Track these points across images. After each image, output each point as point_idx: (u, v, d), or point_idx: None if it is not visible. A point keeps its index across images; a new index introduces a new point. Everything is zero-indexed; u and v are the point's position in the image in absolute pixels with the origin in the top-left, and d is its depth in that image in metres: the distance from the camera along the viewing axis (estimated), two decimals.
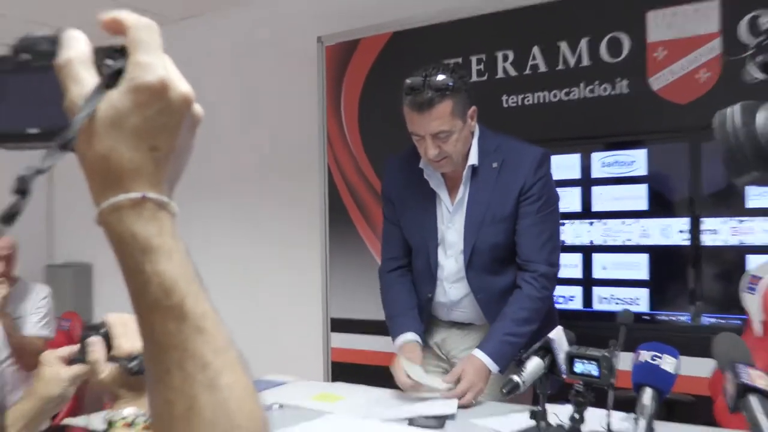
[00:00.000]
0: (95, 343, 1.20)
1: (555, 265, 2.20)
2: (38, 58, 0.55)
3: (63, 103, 0.53)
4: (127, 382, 1.17)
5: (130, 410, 1.14)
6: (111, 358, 1.19)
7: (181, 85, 0.55)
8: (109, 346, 1.20)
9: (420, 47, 3.29)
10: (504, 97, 3.09)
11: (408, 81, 2.08)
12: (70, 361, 1.29)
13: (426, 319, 2.30)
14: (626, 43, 2.81)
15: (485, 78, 3.13)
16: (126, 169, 0.53)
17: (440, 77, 2.03)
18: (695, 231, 2.66)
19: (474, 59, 3.16)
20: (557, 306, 2.56)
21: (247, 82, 4.11)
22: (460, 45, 3.18)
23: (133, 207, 0.53)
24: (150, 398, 0.54)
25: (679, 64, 2.71)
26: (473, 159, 2.18)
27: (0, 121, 0.55)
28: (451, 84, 2.04)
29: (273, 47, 3.97)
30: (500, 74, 3.11)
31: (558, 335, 1.77)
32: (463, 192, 2.21)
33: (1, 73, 0.56)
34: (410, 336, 2.21)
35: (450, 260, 2.25)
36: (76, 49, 0.54)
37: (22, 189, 0.49)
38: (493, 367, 2.06)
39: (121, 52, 0.55)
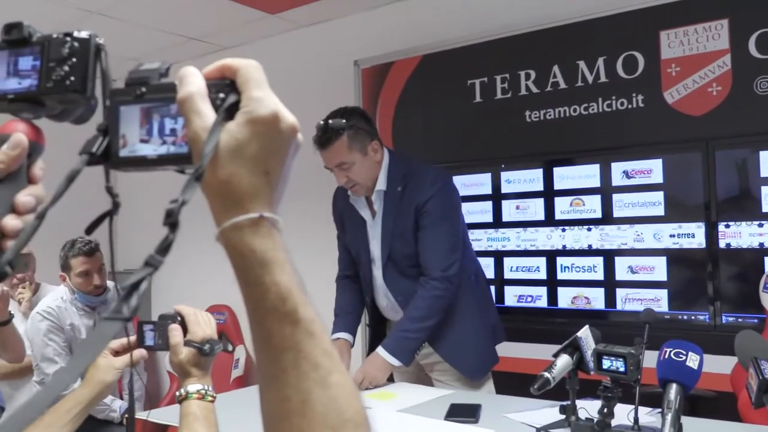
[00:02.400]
0: (175, 329, 1.32)
1: (447, 269, 2.28)
2: (153, 90, 0.58)
3: (185, 132, 0.56)
4: (198, 362, 1.30)
5: (199, 386, 1.27)
6: (186, 342, 1.30)
7: (289, 117, 0.57)
8: (184, 332, 1.32)
9: (448, 68, 3.30)
10: (527, 113, 3.08)
11: (316, 126, 2.27)
12: (123, 351, 1.38)
13: (377, 319, 2.52)
14: (641, 61, 2.78)
15: (509, 95, 3.13)
16: (245, 192, 0.55)
17: (335, 121, 2.23)
18: (712, 234, 2.62)
19: (498, 78, 3.16)
20: (582, 307, 2.55)
21: (289, 102, 4.08)
22: (486, 65, 3.18)
23: (251, 226, 0.55)
24: (264, 396, 0.55)
25: (691, 79, 2.67)
26: (381, 184, 2.35)
27: (122, 146, 0.57)
28: (342, 125, 2.23)
29: (314, 70, 4.00)
30: (523, 91, 3.10)
31: (585, 334, 1.75)
32: (377, 212, 2.39)
33: (123, 103, 0.58)
34: (340, 335, 2.41)
35: (378, 270, 2.42)
36: (196, 85, 0.56)
37: (172, 222, 0.51)
38: (393, 360, 2.22)
39: (230, 87, 0.57)
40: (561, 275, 2.96)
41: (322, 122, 2.24)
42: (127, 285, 0.49)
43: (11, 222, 0.53)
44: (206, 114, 0.55)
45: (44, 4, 3.56)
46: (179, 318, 1.34)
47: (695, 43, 2.66)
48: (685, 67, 2.69)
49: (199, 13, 3.75)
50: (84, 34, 0.58)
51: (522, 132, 3.06)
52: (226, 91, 0.57)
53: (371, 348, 2.38)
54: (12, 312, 2.60)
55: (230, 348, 4.23)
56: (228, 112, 0.56)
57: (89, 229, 0.60)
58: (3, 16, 0.64)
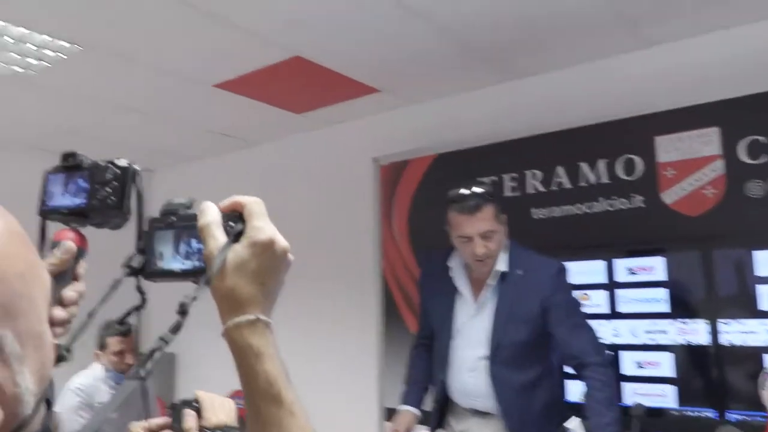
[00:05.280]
0: (190, 413, 1.42)
1: (604, 354, 2.32)
2: (181, 219, 0.77)
3: (202, 251, 0.73)
4: None
5: None
6: (200, 428, 1.39)
7: (282, 241, 0.73)
8: (199, 417, 1.42)
9: (460, 167, 3.53)
10: (533, 210, 3.28)
11: (453, 192, 2.32)
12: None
13: (444, 403, 2.46)
14: (639, 164, 2.99)
15: (517, 194, 3.34)
16: (245, 299, 0.70)
17: (480, 187, 2.30)
18: (714, 331, 2.73)
19: (507, 177, 3.38)
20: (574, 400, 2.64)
21: (312, 194, 4.40)
22: (495, 165, 3.41)
23: (249, 325, 0.70)
24: None
25: (687, 181, 2.86)
26: (502, 266, 2.33)
27: (155, 262, 0.76)
28: (490, 192, 2.31)
29: (335, 165, 4.28)
30: (530, 190, 3.31)
31: (574, 425, 1.86)
32: (490, 293, 2.36)
33: (159, 228, 0.77)
34: (408, 408, 2.47)
35: (469, 351, 2.37)
36: (212, 216, 0.73)
37: (182, 311, 0.69)
38: None
39: (238, 217, 0.74)
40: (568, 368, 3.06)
41: (464, 190, 2.26)
42: (144, 353, 0.67)
43: (58, 313, 0.71)
44: (219, 238, 0.72)
45: (94, 108, 3.94)
46: (196, 403, 1.43)
47: (689, 149, 2.86)
48: (680, 170, 2.88)
49: (231, 112, 4.09)
50: (123, 163, 0.77)
51: (528, 228, 3.25)
52: (235, 220, 0.73)
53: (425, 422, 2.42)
54: None
55: None
56: (235, 237, 0.72)
57: (121, 321, 0.78)
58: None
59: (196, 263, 0.75)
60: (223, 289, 0.71)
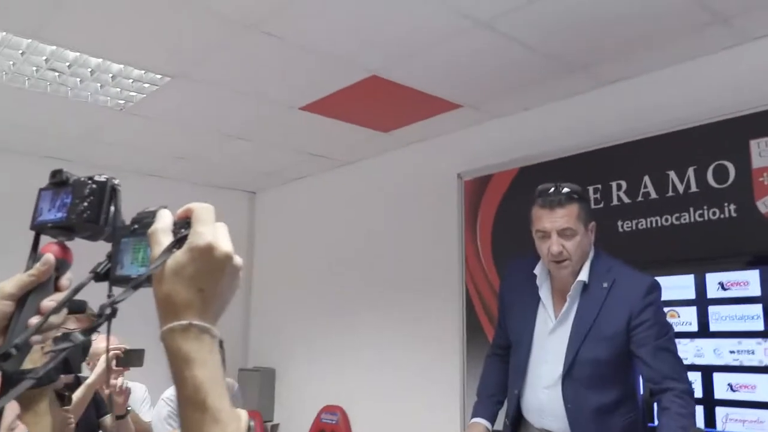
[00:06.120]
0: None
1: (689, 383, 2.13)
2: (142, 227, 0.79)
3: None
4: None
5: None
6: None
7: (224, 246, 0.72)
8: None
9: (542, 180, 3.37)
10: (619, 223, 3.13)
11: (540, 186, 2.25)
12: None
13: (517, 421, 2.33)
14: (731, 170, 2.78)
15: (602, 206, 3.21)
16: (180, 304, 0.70)
17: (569, 186, 2.20)
18: None
19: (591, 189, 3.25)
20: None
21: (399, 213, 4.46)
22: (578, 177, 3.24)
23: (182, 331, 0.69)
24: None
25: None
26: (584, 276, 2.20)
27: (117, 269, 0.79)
28: (578, 192, 2.20)
29: (421, 182, 4.33)
30: (615, 202, 3.17)
31: None
32: (569, 304, 2.22)
33: (124, 236, 0.80)
34: (478, 419, 2.36)
35: (547, 366, 2.24)
36: (163, 222, 0.74)
37: (100, 314, 0.71)
38: None
39: (188, 224, 0.74)
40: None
41: (551, 185, 2.21)
42: (55, 349, 0.69)
43: (33, 321, 0.76)
44: (163, 244, 0.72)
45: (194, 135, 4.24)
46: None
47: None
48: None
49: (321, 134, 4.25)
50: (101, 178, 0.80)
51: (614, 242, 3.10)
52: (185, 227, 0.74)
53: None
54: (130, 406, 2.93)
55: None
56: (180, 243, 0.72)
57: (85, 332, 0.77)
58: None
59: (146, 270, 0.76)
60: (160, 293, 0.71)
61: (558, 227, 2.15)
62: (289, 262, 5.38)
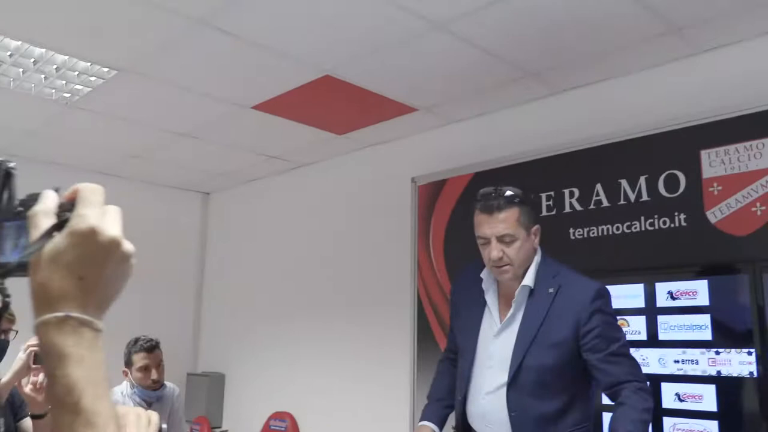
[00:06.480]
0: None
1: (646, 382, 2.08)
2: (26, 210, 0.71)
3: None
4: None
5: None
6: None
7: (109, 231, 0.66)
8: None
9: (497, 185, 3.42)
10: (571, 230, 3.12)
11: (481, 190, 2.19)
12: None
13: (462, 427, 2.26)
14: (682, 180, 2.79)
15: (554, 213, 3.19)
16: (56, 294, 0.63)
17: (509, 189, 2.14)
18: (764, 362, 2.48)
19: (544, 196, 3.24)
20: None
21: (353, 211, 4.41)
22: (532, 183, 3.27)
23: (57, 324, 0.62)
24: None
25: (734, 199, 2.64)
26: (529, 281, 2.15)
27: (2, 255, 0.71)
28: (518, 195, 2.14)
29: (375, 184, 4.28)
30: (567, 209, 3.16)
31: None
32: (515, 309, 2.17)
33: (7, 220, 0.71)
34: (425, 423, 2.31)
35: (490, 371, 2.18)
36: (44, 204, 0.67)
37: None
38: None
39: (72, 206, 0.67)
40: (604, 400, 2.87)
41: (492, 188, 2.16)
42: None
43: None
44: (43, 228, 0.65)
45: (144, 133, 4.11)
46: None
47: (737, 162, 2.65)
48: (727, 186, 2.67)
49: (275, 135, 4.16)
50: None
51: (566, 249, 3.09)
52: (70, 209, 0.67)
53: None
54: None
55: None
56: (60, 226, 0.66)
57: None
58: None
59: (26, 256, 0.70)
60: (35, 283, 0.64)
61: (497, 233, 2.11)
62: (242, 265, 5.27)
